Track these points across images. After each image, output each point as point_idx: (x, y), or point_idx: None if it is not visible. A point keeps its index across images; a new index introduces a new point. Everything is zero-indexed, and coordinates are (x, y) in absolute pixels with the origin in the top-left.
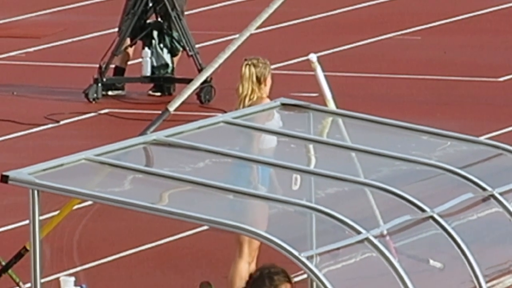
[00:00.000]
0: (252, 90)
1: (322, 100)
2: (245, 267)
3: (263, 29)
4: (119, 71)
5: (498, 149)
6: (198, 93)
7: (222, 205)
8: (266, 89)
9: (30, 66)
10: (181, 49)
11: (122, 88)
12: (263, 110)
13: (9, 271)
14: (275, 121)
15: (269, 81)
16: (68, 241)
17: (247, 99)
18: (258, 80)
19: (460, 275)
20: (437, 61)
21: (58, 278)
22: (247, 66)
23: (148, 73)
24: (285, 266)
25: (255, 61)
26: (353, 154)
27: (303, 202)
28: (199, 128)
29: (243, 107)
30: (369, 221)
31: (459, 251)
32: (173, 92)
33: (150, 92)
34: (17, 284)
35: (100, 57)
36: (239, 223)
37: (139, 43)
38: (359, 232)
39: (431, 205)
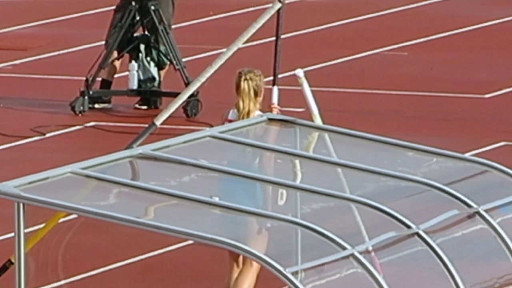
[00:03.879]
0: (254, 105)
1: (308, 115)
2: (254, 278)
3: (251, 43)
4: (106, 84)
5: (484, 166)
6: (185, 107)
7: (208, 220)
8: (260, 99)
9: (17, 78)
10: (168, 62)
11: (109, 101)
12: (250, 125)
13: None
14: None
15: (262, 92)
16: (53, 254)
17: (251, 114)
18: (255, 93)
19: None
20: (423, 77)
21: None
22: (246, 81)
23: (135, 87)
24: (270, 281)
25: (251, 75)
26: (339, 169)
27: (289, 217)
28: (185, 142)
29: None
30: (355, 237)
31: (444, 267)
32: (160, 105)
33: (137, 106)
34: None
35: (86, 70)
36: (224, 238)
37: (126, 56)
38: (344, 248)
39: (417, 222)
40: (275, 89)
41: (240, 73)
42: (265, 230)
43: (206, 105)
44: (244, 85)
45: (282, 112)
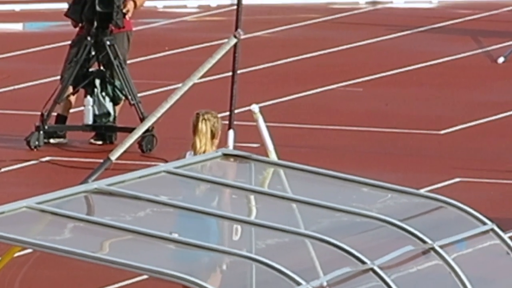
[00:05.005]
0: (210, 146)
1: (263, 151)
2: None
3: (206, 78)
4: (61, 119)
5: (439, 202)
6: (140, 142)
7: (163, 255)
8: (216, 142)
9: None
10: (123, 97)
11: (64, 136)
12: (205, 161)
13: None
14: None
15: (219, 134)
16: None
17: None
18: (212, 135)
19: None
20: (379, 113)
21: None
22: (204, 121)
23: (90, 122)
24: None
25: (209, 116)
26: (294, 205)
27: (244, 253)
28: (140, 177)
29: None
30: (309, 273)
31: None
32: (115, 141)
33: (92, 141)
34: None
35: (42, 105)
36: (179, 272)
37: (82, 91)
38: (299, 284)
39: (371, 257)
40: (231, 133)
41: (198, 114)
42: (220, 266)
43: (161, 140)
44: (201, 125)
45: (237, 148)
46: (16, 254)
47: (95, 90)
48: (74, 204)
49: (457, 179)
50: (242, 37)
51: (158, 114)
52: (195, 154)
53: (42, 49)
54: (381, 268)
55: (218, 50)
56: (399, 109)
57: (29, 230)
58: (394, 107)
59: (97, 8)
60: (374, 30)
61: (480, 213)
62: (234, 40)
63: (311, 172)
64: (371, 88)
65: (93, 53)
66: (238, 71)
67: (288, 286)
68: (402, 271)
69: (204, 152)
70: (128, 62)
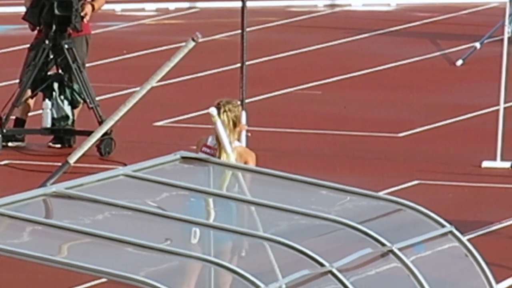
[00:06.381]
0: (233, 135)
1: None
2: None
3: (164, 82)
4: (20, 122)
5: (397, 204)
6: (99, 145)
7: (121, 258)
8: (238, 130)
9: None
10: (81, 101)
11: (22, 140)
12: (163, 163)
13: None
14: None
15: (241, 122)
16: None
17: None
18: (234, 125)
19: None
20: (337, 116)
21: None
22: (225, 113)
23: (49, 125)
24: None
25: (230, 106)
26: (253, 208)
27: (202, 255)
28: (99, 180)
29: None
30: (268, 275)
31: None
32: (73, 144)
33: (50, 144)
34: None
35: (0, 108)
36: (137, 275)
37: (40, 94)
38: (257, 286)
39: (330, 260)
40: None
41: (219, 104)
42: (178, 268)
43: (119, 143)
44: (223, 117)
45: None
46: None
47: (54, 93)
48: (33, 207)
49: (416, 182)
50: (200, 40)
51: (117, 118)
52: (217, 143)
53: (0, 53)
54: (339, 271)
55: (176, 54)
56: (357, 112)
57: None
58: (353, 110)
59: (56, 11)
60: (332, 33)
61: (439, 216)
62: (192, 43)
63: (269, 175)
64: (329, 91)
65: (51, 56)
66: (196, 75)
67: None
68: (360, 273)
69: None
70: (87, 65)
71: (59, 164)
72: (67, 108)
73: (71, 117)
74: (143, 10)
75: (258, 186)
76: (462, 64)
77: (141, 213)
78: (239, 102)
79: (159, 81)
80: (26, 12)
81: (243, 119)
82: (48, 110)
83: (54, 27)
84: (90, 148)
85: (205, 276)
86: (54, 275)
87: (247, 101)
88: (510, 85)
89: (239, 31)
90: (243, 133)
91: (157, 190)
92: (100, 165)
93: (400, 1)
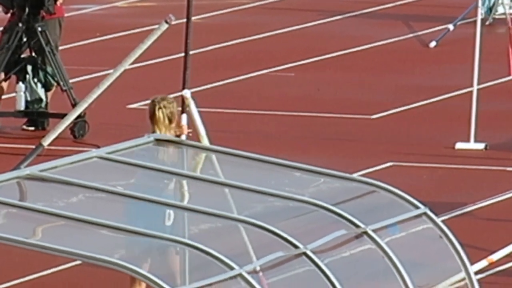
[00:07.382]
0: (169, 132)
1: (195, 136)
2: None
3: (137, 64)
4: None
5: (371, 186)
6: (72, 128)
7: (95, 240)
8: (173, 126)
9: None
10: (55, 84)
11: None
12: (137, 146)
13: None
14: None
15: (176, 118)
16: None
17: None
18: (170, 121)
19: None
20: (310, 98)
21: None
22: (160, 110)
23: (22, 108)
24: None
25: (165, 103)
26: (227, 190)
27: (177, 237)
28: (72, 163)
29: None
30: (242, 257)
31: (331, 287)
32: (47, 126)
33: (24, 127)
34: None
35: None
36: (110, 257)
37: (13, 77)
38: (232, 268)
39: (304, 242)
40: (184, 117)
41: (153, 101)
42: (153, 250)
43: (93, 126)
44: (159, 113)
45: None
46: None
47: (27, 76)
48: (6, 190)
49: (389, 164)
50: (173, 22)
51: (90, 100)
52: None
53: None
54: (314, 252)
55: (149, 36)
56: (330, 94)
57: None
58: (326, 92)
59: None
60: (305, 15)
61: (413, 197)
62: (165, 26)
63: (243, 157)
64: (302, 73)
65: (24, 39)
66: (169, 57)
67: (221, 270)
68: (335, 255)
69: None
70: (60, 48)
71: (33, 146)
72: (41, 91)
73: (44, 99)
74: None
75: (232, 168)
76: (435, 46)
77: (114, 195)
78: (173, 99)
79: (132, 63)
80: None
81: (184, 120)
82: (22, 93)
83: (27, 10)
84: (63, 130)
85: (180, 258)
86: (28, 258)
87: (220, 83)
88: (483, 66)
89: (213, 13)
90: (183, 136)
91: (131, 172)
92: (73, 147)
93: None
